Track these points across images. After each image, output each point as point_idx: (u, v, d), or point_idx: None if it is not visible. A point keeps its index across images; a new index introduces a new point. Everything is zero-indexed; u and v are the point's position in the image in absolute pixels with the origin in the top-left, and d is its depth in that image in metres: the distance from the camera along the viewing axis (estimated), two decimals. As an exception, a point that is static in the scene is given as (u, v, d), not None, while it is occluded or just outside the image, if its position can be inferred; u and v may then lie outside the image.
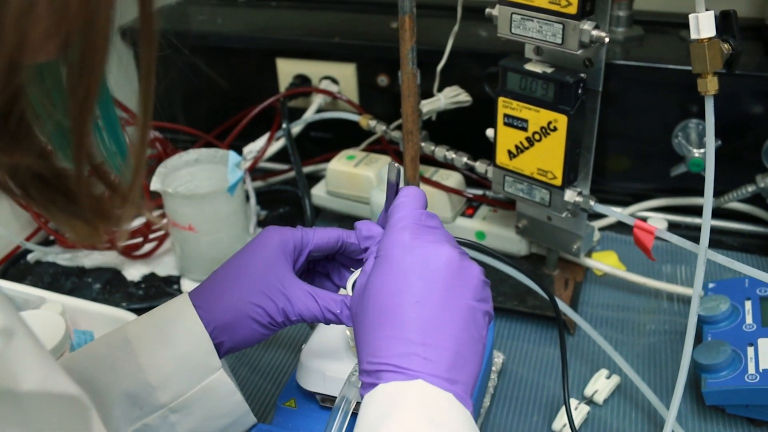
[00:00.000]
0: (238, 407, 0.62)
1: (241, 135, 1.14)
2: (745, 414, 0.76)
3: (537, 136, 0.79)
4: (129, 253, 1.03)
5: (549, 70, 0.76)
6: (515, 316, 0.92)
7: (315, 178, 1.14)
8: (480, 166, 0.88)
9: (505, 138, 0.82)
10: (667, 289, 0.93)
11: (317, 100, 1.14)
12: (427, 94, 0.95)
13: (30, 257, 1.07)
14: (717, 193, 1.00)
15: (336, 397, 0.65)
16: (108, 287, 1.01)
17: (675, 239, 0.74)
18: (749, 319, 0.79)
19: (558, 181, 0.80)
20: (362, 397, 0.50)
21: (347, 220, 1.09)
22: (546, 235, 0.91)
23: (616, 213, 0.78)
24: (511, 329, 0.90)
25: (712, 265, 0.71)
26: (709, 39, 0.65)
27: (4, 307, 0.36)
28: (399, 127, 0.97)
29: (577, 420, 0.76)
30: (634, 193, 1.08)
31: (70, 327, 0.87)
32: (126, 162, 0.45)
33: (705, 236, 0.69)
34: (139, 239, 1.02)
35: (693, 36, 0.65)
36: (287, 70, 1.17)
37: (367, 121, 0.99)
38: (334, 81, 1.15)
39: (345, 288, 0.64)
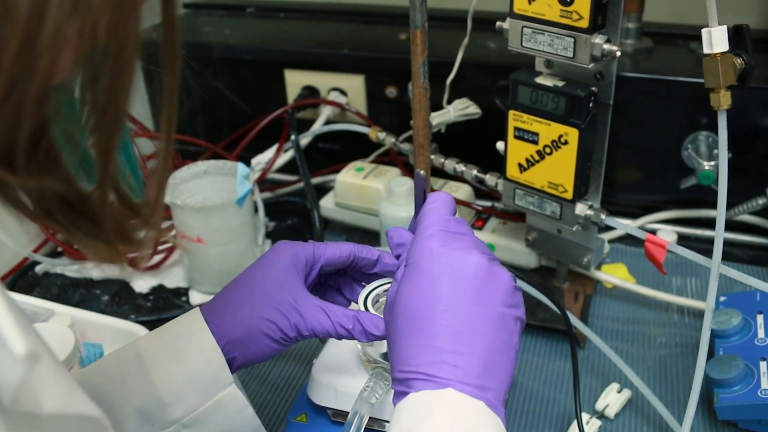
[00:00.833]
0: (250, 421, 0.61)
1: (248, 146, 1.14)
2: (758, 429, 0.75)
3: (548, 150, 0.79)
4: (137, 264, 1.03)
5: (560, 84, 0.76)
6: (525, 330, 0.91)
7: (323, 190, 1.14)
8: (490, 179, 0.88)
9: (515, 151, 0.82)
10: (677, 302, 0.92)
11: (326, 111, 1.14)
12: (436, 106, 0.95)
13: (38, 269, 1.07)
14: (727, 206, 0.99)
15: (347, 412, 0.65)
16: (116, 299, 1.01)
17: (687, 253, 0.73)
18: (761, 333, 0.79)
19: (569, 195, 0.80)
20: (395, 406, 0.51)
21: (356, 232, 1.09)
22: (556, 247, 0.90)
23: (627, 227, 0.78)
24: (521, 342, 0.89)
25: (722, 278, 0.71)
26: (722, 54, 0.65)
27: (28, 332, 0.36)
28: (408, 139, 0.97)
29: (589, 435, 0.76)
30: (644, 205, 1.08)
31: (80, 340, 0.87)
32: (140, 182, 0.45)
33: (718, 250, 0.68)
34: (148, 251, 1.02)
35: (706, 50, 0.65)
36: (295, 81, 1.17)
37: (376, 133, 0.99)
38: (343, 92, 1.15)
39: (356, 302, 0.64)
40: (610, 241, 1.04)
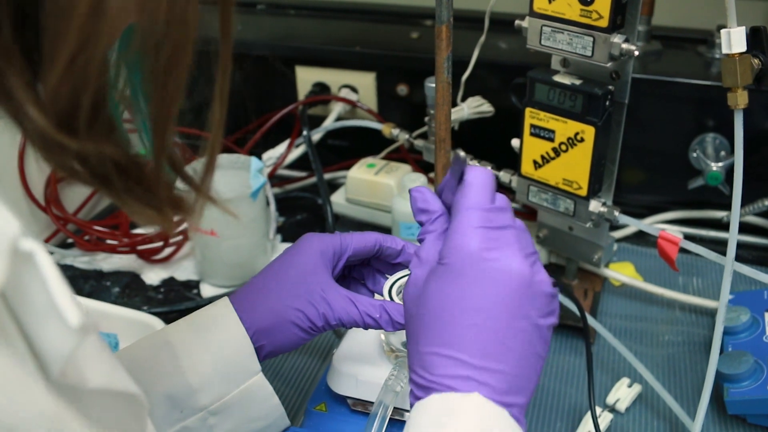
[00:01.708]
0: (275, 410, 0.62)
1: (257, 142, 1.15)
2: (767, 423, 0.77)
3: (564, 147, 0.80)
4: (148, 257, 1.04)
5: (577, 82, 0.78)
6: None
7: (333, 186, 1.15)
8: (504, 175, 0.89)
9: (531, 148, 0.83)
10: (684, 300, 0.94)
11: (337, 108, 1.15)
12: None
13: (49, 259, 1.07)
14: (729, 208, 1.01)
15: (368, 402, 0.66)
16: (127, 291, 1.02)
17: (701, 250, 0.75)
18: (769, 331, 0.80)
19: (583, 192, 0.81)
20: (411, 404, 0.49)
21: (366, 228, 1.09)
22: (567, 245, 0.92)
23: (640, 224, 0.79)
24: (531, 338, 0.91)
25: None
26: (740, 54, 0.66)
27: (79, 306, 0.37)
28: (421, 136, 0.98)
29: (601, 428, 0.77)
30: (650, 205, 1.10)
31: (94, 329, 0.87)
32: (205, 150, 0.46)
33: (732, 247, 0.70)
34: (160, 243, 1.03)
35: (724, 50, 0.66)
36: (306, 78, 1.18)
37: (390, 130, 1.00)
38: (354, 90, 1.16)
39: (380, 293, 0.64)
40: (618, 240, 1.06)
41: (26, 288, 0.34)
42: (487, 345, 0.46)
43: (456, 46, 0.98)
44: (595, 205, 0.82)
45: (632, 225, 0.81)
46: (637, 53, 0.73)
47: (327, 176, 1.20)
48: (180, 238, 1.05)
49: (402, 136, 0.98)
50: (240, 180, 1.02)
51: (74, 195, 1.14)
